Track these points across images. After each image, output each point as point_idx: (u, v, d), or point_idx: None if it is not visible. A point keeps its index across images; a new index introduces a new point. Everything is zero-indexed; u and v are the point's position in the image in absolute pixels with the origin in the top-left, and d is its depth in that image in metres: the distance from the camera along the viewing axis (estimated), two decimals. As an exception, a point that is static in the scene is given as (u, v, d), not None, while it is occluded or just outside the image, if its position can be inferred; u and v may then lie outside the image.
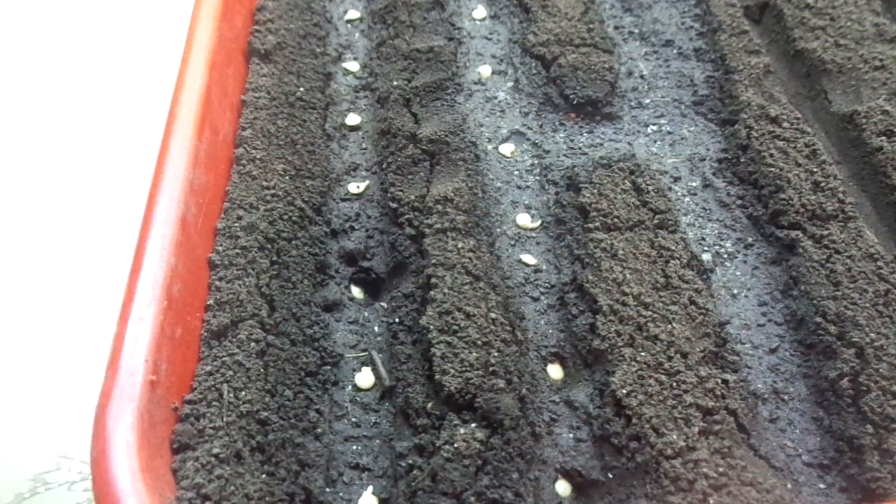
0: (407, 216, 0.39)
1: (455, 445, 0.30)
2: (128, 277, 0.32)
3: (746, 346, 0.36)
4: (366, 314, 0.38)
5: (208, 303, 0.34)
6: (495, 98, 0.48)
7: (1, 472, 0.39)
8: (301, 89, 0.46)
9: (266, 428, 0.31)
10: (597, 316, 0.35)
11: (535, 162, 0.45)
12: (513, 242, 0.41)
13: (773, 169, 0.42)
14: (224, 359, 0.32)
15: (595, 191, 0.40)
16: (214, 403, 0.31)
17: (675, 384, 0.32)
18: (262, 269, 0.36)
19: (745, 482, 0.29)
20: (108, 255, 0.49)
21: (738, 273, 0.39)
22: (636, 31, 0.52)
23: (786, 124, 0.44)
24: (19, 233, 0.51)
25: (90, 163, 0.56)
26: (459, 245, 0.37)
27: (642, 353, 0.33)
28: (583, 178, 0.41)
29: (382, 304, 0.38)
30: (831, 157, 0.43)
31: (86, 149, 0.56)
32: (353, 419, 0.34)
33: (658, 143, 0.46)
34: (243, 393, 0.31)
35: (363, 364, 0.36)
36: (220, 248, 0.36)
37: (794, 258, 0.38)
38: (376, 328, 0.37)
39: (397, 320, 0.36)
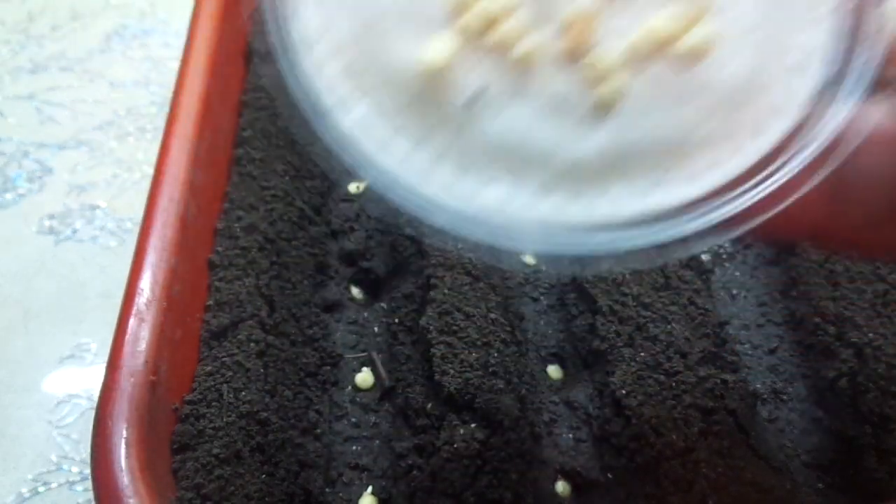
0: (407, 216, 0.39)
1: (455, 446, 0.30)
2: (128, 278, 0.33)
3: (746, 346, 0.36)
4: (365, 315, 0.38)
5: (208, 303, 0.35)
6: (495, 98, 0.48)
7: (1, 472, 0.39)
8: (301, 90, 0.46)
9: (266, 428, 0.31)
10: (596, 316, 0.35)
11: (535, 162, 0.45)
12: (512, 243, 0.41)
13: (772, 169, 0.42)
14: (224, 359, 0.32)
15: (594, 191, 0.40)
16: (214, 404, 0.31)
17: (674, 384, 0.32)
18: (262, 270, 0.36)
19: (745, 482, 0.29)
20: (108, 255, 0.49)
21: (737, 273, 0.39)
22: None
23: (785, 125, 0.44)
24: (19, 233, 0.51)
25: (89, 162, 0.56)
26: (459, 245, 0.37)
27: (642, 354, 0.33)
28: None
29: (382, 304, 0.38)
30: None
31: (85, 147, 0.56)
32: (353, 419, 0.34)
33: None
34: (243, 393, 0.31)
35: (363, 364, 0.36)
36: (219, 249, 0.37)
37: (792, 258, 0.38)
38: (376, 328, 0.37)
39: (397, 321, 0.36)
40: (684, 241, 0.21)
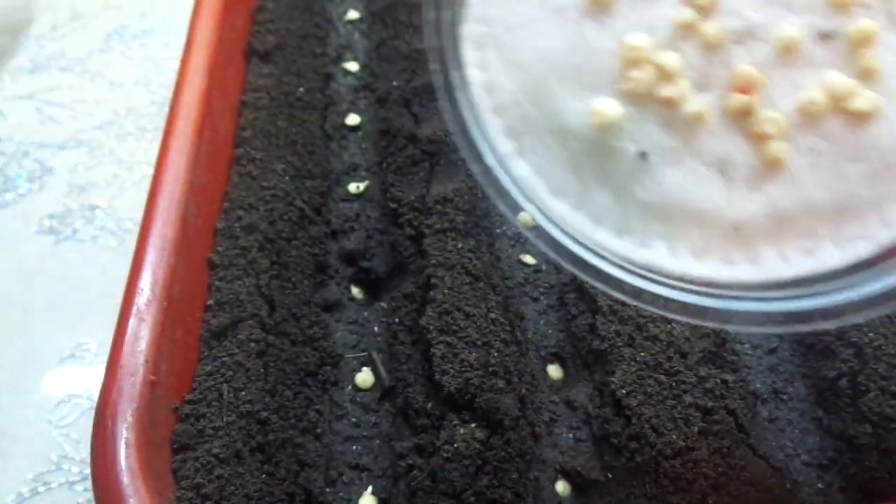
0: (407, 216, 0.40)
1: (455, 445, 0.30)
2: (128, 277, 0.33)
3: (746, 346, 0.36)
4: (366, 314, 0.38)
5: (208, 303, 0.35)
6: (495, 98, 0.48)
7: (1, 472, 0.39)
8: (301, 89, 0.46)
9: (266, 428, 0.31)
10: (596, 316, 0.35)
11: (535, 162, 0.45)
12: (513, 242, 0.41)
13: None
14: (224, 359, 0.32)
15: (594, 191, 0.40)
16: (214, 403, 0.31)
17: (674, 384, 0.32)
18: (262, 270, 0.36)
19: (745, 482, 0.29)
20: (108, 255, 0.49)
21: (737, 273, 0.39)
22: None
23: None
24: (19, 233, 0.51)
25: (89, 162, 0.56)
26: (459, 245, 0.37)
27: (642, 353, 0.33)
28: (582, 178, 0.41)
29: (382, 304, 0.38)
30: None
31: (85, 147, 0.56)
32: (353, 419, 0.34)
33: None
34: (243, 393, 0.31)
35: (363, 364, 0.36)
36: (219, 249, 0.37)
37: (793, 258, 0.38)
38: (376, 328, 0.37)
39: (397, 320, 0.37)
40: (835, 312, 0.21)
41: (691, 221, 0.22)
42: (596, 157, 0.22)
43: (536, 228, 0.23)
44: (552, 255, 0.23)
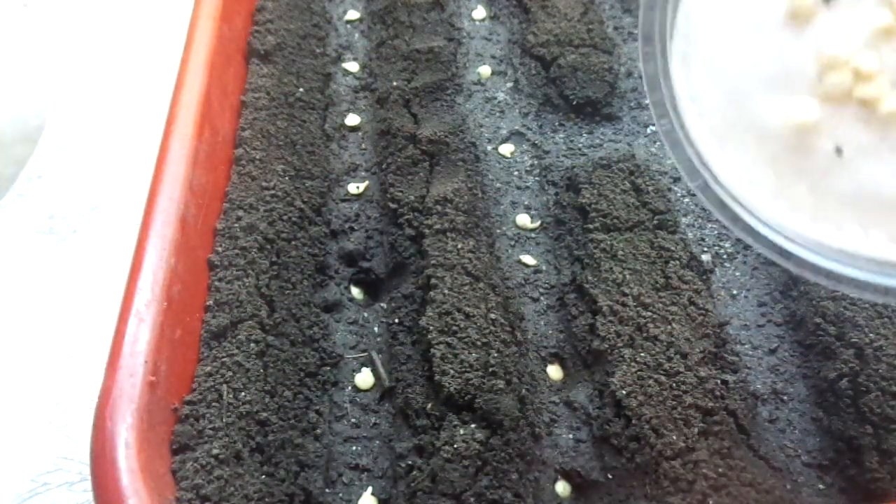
0: (406, 217, 0.40)
1: (455, 446, 0.30)
2: (127, 278, 0.33)
3: (746, 346, 0.36)
4: (365, 315, 0.38)
5: (208, 303, 0.34)
6: (495, 98, 0.48)
7: (1, 473, 0.39)
8: (301, 89, 0.46)
9: (265, 429, 0.31)
10: (596, 316, 0.35)
11: (535, 162, 0.45)
12: (512, 243, 0.41)
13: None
14: (224, 359, 0.32)
15: (595, 191, 0.40)
16: (214, 404, 0.31)
17: (674, 385, 0.32)
18: (262, 270, 0.36)
19: (745, 483, 0.29)
20: (108, 256, 0.49)
21: (737, 274, 0.39)
22: (636, 31, 0.52)
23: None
24: (19, 233, 0.51)
25: (89, 162, 0.56)
26: (459, 245, 0.37)
27: (642, 354, 0.33)
28: (582, 178, 0.41)
29: (382, 304, 0.38)
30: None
31: (86, 148, 0.56)
32: (353, 420, 0.34)
33: (658, 143, 0.46)
34: (243, 394, 0.31)
35: (363, 365, 0.36)
36: (219, 249, 0.36)
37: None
38: (376, 329, 0.37)
39: (397, 321, 0.36)
40: None
41: (887, 209, 0.23)
42: (793, 153, 0.23)
43: (734, 215, 0.25)
44: (752, 242, 0.24)
